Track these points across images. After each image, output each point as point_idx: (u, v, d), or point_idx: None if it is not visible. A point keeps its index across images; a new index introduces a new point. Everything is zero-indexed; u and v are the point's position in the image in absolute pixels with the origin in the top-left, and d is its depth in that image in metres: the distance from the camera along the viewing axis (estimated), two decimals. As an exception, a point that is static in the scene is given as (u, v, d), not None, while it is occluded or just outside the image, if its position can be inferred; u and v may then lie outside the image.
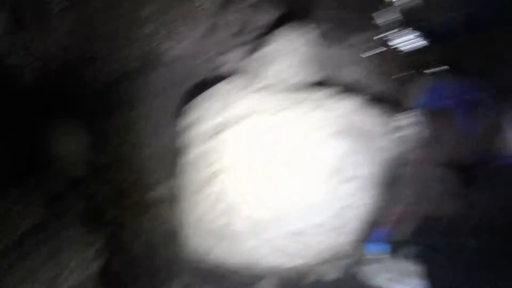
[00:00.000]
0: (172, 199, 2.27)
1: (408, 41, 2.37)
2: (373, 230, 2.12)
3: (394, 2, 2.28)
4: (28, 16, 2.08)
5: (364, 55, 2.53)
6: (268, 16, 3.40)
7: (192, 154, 2.25)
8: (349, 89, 2.35)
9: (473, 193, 2.14)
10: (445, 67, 2.23)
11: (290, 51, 2.29)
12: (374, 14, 2.35)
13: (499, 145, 1.95)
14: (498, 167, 2.05)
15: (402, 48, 2.43)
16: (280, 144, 2.01)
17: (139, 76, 2.63)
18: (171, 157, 2.35)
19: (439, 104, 2.07)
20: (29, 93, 2.28)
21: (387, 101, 2.31)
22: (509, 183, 2.05)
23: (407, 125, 1.78)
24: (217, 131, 2.19)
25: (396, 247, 2.09)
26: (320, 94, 2.13)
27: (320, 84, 2.39)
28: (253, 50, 2.49)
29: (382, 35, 2.38)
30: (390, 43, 2.40)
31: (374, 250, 2.13)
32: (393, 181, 2.08)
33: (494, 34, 2.23)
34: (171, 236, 2.21)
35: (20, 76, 2.29)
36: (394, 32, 2.36)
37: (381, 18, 2.32)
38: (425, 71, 2.41)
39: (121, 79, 2.62)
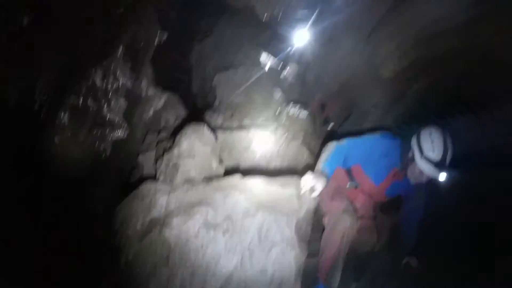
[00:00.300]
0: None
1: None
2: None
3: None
4: None
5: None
6: (172, 119, 3.82)
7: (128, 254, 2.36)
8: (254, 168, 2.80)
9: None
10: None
11: (196, 152, 2.66)
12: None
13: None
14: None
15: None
16: (208, 229, 2.26)
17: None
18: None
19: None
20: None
21: (295, 168, 2.79)
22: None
23: (315, 185, 2.06)
24: (147, 230, 2.37)
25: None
26: (231, 179, 2.48)
27: (228, 172, 2.79)
28: (164, 151, 2.80)
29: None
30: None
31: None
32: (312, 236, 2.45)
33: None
34: None
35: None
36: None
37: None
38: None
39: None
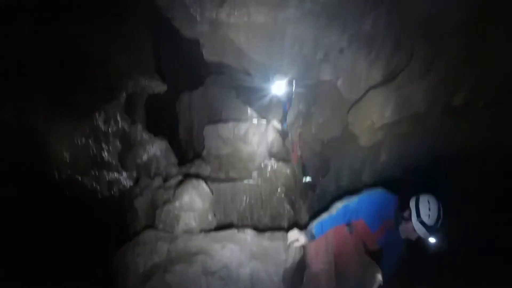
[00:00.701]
0: None
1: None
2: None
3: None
4: None
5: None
6: (163, 165, 4.12)
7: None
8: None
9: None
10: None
11: (196, 206, 2.99)
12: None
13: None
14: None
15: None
16: (207, 276, 2.54)
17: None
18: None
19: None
20: None
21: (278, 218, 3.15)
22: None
23: (299, 238, 2.37)
24: (150, 274, 2.60)
25: None
26: (227, 232, 2.79)
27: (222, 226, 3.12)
28: (165, 202, 3.09)
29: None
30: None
31: None
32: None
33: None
34: None
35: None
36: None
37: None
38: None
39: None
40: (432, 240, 2.33)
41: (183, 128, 5.36)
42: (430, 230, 2.25)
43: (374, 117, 2.98)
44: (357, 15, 2.72)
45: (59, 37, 3.73)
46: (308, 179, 4.25)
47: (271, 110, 5.13)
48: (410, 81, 2.71)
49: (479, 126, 2.75)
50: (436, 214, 2.23)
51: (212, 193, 3.21)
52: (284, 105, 4.74)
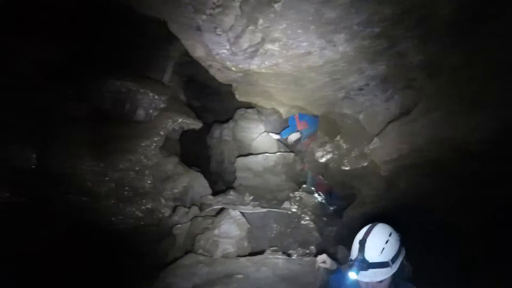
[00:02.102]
0: None
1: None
2: None
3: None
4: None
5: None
6: (197, 195, 4.46)
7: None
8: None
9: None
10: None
11: (233, 234, 3.33)
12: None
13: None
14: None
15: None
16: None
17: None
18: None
19: None
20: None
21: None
22: None
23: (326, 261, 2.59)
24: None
25: None
26: (261, 257, 3.10)
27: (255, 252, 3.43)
28: (204, 229, 3.44)
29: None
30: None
31: None
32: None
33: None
34: None
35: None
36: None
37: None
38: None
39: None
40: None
41: (215, 160, 5.75)
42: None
43: (392, 148, 3.25)
44: (371, 59, 3.04)
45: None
46: (334, 207, 4.51)
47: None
48: (422, 116, 2.97)
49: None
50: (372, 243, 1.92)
51: (248, 222, 3.54)
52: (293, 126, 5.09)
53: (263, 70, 3.16)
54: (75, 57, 4.42)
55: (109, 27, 4.66)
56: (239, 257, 3.17)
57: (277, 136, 5.30)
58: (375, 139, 3.49)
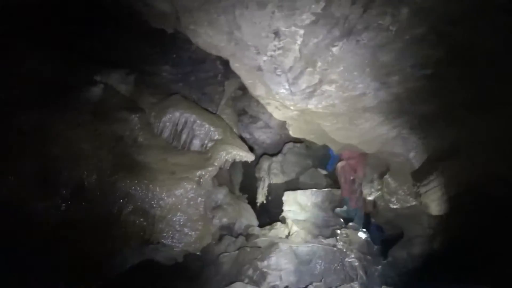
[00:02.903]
0: None
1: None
2: None
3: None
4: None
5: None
6: (244, 226, 4.55)
7: None
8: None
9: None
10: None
11: (282, 267, 3.39)
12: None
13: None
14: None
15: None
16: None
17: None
18: None
19: None
20: None
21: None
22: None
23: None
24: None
25: None
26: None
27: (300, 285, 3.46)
28: (253, 260, 3.53)
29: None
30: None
31: None
32: None
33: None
34: None
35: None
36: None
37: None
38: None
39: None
40: None
41: (262, 192, 5.87)
42: None
43: (443, 188, 3.21)
44: (423, 99, 3.09)
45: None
46: (378, 246, 4.44)
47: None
48: (469, 158, 2.94)
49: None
50: None
51: (297, 258, 3.59)
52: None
53: (320, 110, 3.29)
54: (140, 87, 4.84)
55: (174, 61, 5.05)
56: (287, 290, 3.22)
57: (324, 172, 5.36)
58: (428, 178, 3.46)
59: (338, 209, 4.97)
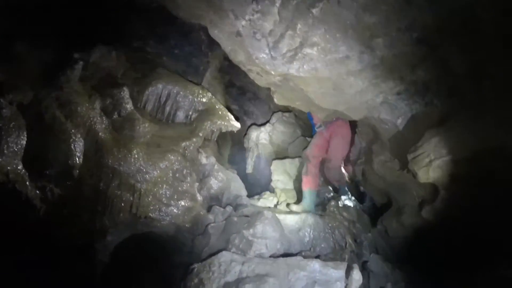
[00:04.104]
0: None
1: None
2: None
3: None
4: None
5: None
6: (233, 195, 4.55)
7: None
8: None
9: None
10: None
11: (268, 235, 3.38)
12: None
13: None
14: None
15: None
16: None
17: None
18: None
19: None
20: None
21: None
22: None
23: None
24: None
25: None
26: (294, 259, 3.12)
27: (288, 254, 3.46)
28: (240, 229, 3.52)
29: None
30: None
31: None
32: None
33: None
34: None
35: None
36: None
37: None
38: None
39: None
40: None
41: (251, 162, 5.84)
42: None
43: (431, 155, 3.17)
44: (411, 65, 3.00)
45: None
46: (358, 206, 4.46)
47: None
48: (465, 124, 2.88)
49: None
50: None
51: (282, 224, 3.57)
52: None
53: (302, 75, 3.19)
54: (122, 62, 4.71)
55: (157, 32, 4.90)
56: (272, 258, 3.21)
57: None
58: (414, 146, 3.41)
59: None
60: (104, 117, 4.19)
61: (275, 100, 3.83)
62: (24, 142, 3.26)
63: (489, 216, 2.96)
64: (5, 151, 3.10)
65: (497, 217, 2.87)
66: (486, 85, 2.78)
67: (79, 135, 3.81)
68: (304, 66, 3.11)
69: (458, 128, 2.98)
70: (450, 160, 3.08)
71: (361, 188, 5.00)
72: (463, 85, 2.96)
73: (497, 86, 2.71)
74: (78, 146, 3.83)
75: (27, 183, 3.22)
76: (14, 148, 3.20)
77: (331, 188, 4.90)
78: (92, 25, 4.54)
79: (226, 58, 5.10)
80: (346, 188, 4.80)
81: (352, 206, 4.34)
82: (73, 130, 3.81)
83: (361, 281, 2.97)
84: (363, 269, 3.56)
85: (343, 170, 4.71)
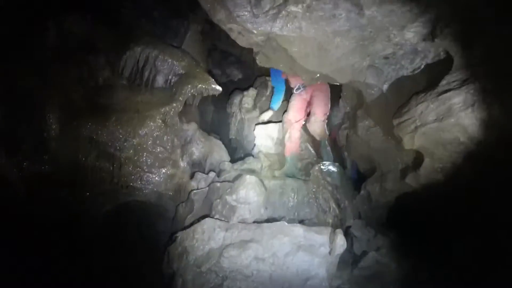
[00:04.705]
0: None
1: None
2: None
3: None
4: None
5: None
6: (216, 161, 4.47)
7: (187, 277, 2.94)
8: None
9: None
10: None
11: (251, 200, 3.34)
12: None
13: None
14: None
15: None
16: (258, 262, 2.86)
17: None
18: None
19: None
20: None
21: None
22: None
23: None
24: (206, 258, 2.96)
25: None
26: (278, 224, 3.10)
27: (272, 219, 3.43)
28: (222, 195, 3.46)
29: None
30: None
31: None
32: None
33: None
34: None
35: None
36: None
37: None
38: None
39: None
40: None
41: (234, 127, 5.72)
42: None
43: (417, 121, 3.12)
44: (400, 26, 2.89)
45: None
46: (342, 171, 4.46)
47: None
48: (450, 89, 2.82)
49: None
50: None
51: (265, 189, 3.52)
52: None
53: (286, 33, 3.04)
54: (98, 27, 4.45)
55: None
56: (256, 224, 3.18)
57: None
58: (399, 111, 3.35)
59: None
60: (79, 86, 3.98)
61: (258, 61, 3.67)
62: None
63: (471, 183, 2.95)
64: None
65: (479, 185, 2.86)
66: (477, 47, 2.70)
67: (54, 105, 3.59)
68: (288, 25, 2.96)
69: (447, 95, 2.91)
70: (436, 127, 3.02)
71: (345, 153, 4.96)
72: (452, 49, 2.87)
73: (489, 48, 2.63)
74: (53, 117, 3.63)
75: (2, 160, 3.04)
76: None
77: (313, 152, 4.83)
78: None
79: (208, 20, 4.89)
80: (328, 148, 4.77)
81: (336, 171, 4.31)
82: (47, 101, 3.58)
83: (345, 246, 2.98)
84: (346, 234, 3.57)
85: (325, 126, 4.64)
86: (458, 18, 2.66)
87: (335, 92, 4.80)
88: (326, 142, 4.84)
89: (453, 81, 2.82)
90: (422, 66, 3.26)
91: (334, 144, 5.08)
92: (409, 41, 3.06)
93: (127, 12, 4.90)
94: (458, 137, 2.88)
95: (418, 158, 3.49)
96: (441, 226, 3.21)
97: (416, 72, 3.34)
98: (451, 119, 2.82)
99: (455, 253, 3.00)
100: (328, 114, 4.72)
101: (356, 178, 4.81)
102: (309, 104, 4.76)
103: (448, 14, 2.71)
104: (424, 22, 2.83)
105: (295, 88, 4.79)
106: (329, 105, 4.73)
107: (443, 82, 2.90)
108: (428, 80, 3.19)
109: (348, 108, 4.72)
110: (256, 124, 4.93)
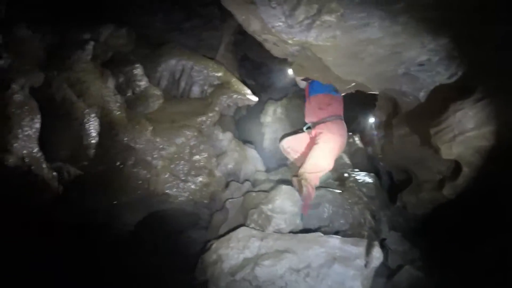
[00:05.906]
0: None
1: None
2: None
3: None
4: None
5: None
6: (250, 171, 4.50)
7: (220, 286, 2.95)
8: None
9: None
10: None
11: (287, 210, 3.34)
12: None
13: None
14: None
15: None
16: (292, 272, 2.83)
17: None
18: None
19: None
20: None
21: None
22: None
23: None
24: (240, 267, 2.96)
25: None
26: (313, 235, 3.07)
27: (307, 230, 3.41)
28: (258, 204, 3.47)
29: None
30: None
31: None
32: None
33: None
34: None
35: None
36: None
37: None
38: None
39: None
40: None
41: (269, 138, 5.76)
42: None
43: (455, 130, 3.02)
44: (434, 32, 2.82)
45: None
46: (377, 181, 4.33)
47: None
48: (488, 96, 2.72)
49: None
50: None
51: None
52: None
53: (320, 43, 3.05)
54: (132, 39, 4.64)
55: (165, 6, 4.78)
56: (291, 234, 3.17)
57: None
58: (439, 119, 3.26)
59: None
60: (117, 95, 4.14)
61: (293, 72, 3.69)
62: (38, 125, 3.21)
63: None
64: (20, 135, 3.06)
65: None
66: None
67: (93, 115, 3.74)
68: (323, 34, 2.96)
69: (485, 102, 2.81)
70: (475, 135, 2.92)
71: (380, 164, 4.87)
72: (490, 56, 2.78)
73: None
74: (93, 126, 3.77)
75: (43, 165, 3.19)
76: (29, 131, 3.15)
77: (348, 162, 4.76)
78: (97, 2, 4.47)
79: (239, 32, 4.98)
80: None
81: (371, 181, 4.23)
82: (86, 110, 3.74)
83: (381, 259, 2.90)
84: (381, 246, 3.48)
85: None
86: (496, 21, 2.57)
87: (370, 101, 4.74)
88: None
89: (491, 88, 2.73)
90: (459, 72, 3.16)
91: (371, 154, 5.00)
92: (444, 47, 2.98)
93: (160, 25, 5.08)
94: (497, 146, 2.77)
95: (456, 168, 3.38)
96: (480, 238, 3.07)
97: (452, 78, 3.24)
98: (490, 127, 2.72)
99: (492, 267, 2.86)
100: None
101: (391, 189, 4.69)
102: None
103: (483, 18, 2.62)
104: (459, 27, 2.75)
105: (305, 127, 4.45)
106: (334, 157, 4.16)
107: (480, 88, 2.80)
108: (465, 86, 3.09)
109: (383, 117, 4.63)
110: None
